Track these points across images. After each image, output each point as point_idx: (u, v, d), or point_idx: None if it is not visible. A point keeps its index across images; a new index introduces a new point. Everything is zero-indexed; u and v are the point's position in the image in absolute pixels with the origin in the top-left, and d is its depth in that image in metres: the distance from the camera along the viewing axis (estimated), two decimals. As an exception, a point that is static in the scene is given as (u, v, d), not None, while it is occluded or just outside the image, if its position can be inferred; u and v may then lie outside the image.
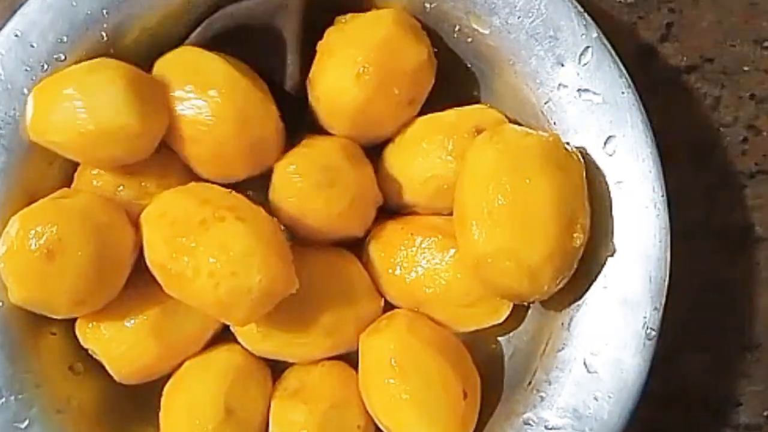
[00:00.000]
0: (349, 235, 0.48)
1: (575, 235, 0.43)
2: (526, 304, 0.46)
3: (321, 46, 0.48)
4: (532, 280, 0.43)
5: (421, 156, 0.48)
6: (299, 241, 0.48)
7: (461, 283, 0.46)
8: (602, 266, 0.44)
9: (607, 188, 0.45)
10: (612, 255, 0.44)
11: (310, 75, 0.48)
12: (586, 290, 0.45)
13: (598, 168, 0.45)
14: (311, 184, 0.46)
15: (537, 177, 0.43)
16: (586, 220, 0.44)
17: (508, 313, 0.47)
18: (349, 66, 0.46)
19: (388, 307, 0.49)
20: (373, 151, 0.50)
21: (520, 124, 0.47)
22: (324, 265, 0.47)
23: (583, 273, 0.45)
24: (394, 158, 0.49)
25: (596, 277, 0.45)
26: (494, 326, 0.48)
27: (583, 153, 0.45)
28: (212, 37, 0.48)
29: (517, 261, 0.43)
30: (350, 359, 0.48)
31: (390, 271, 0.48)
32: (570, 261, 0.44)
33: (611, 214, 0.45)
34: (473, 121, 0.47)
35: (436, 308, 0.48)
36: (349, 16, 0.48)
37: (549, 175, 0.43)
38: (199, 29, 0.47)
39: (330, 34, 0.48)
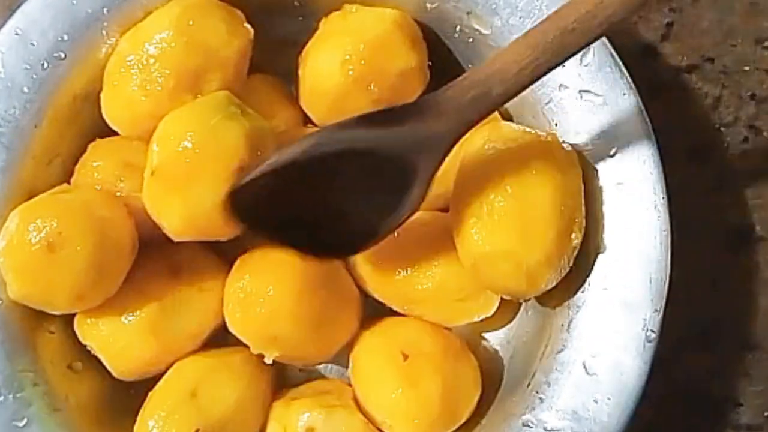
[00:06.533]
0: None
1: (573, 235, 0.43)
2: (521, 301, 0.46)
3: (321, 27, 0.48)
4: (530, 282, 0.43)
5: None
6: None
7: (455, 279, 0.46)
8: (594, 262, 0.45)
9: (603, 188, 0.45)
10: (603, 252, 0.44)
11: (303, 52, 0.49)
12: (582, 283, 0.45)
13: (598, 169, 0.45)
14: None
15: (537, 178, 0.43)
16: (583, 219, 0.44)
17: (497, 305, 0.47)
18: (338, 52, 0.46)
19: (380, 307, 0.49)
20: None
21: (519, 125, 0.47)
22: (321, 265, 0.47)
23: (579, 269, 0.45)
24: None
25: (591, 273, 0.45)
26: (492, 322, 0.48)
27: (583, 153, 0.45)
28: None
29: (516, 263, 0.43)
30: (348, 361, 0.48)
31: (381, 270, 0.48)
32: (567, 260, 0.44)
33: (603, 211, 0.45)
34: None
35: (428, 306, 0.47)
36: (356, 6, 0.48)
37: (549, 177, 0.43)
38: None
39: (333, 18, 0.48)
